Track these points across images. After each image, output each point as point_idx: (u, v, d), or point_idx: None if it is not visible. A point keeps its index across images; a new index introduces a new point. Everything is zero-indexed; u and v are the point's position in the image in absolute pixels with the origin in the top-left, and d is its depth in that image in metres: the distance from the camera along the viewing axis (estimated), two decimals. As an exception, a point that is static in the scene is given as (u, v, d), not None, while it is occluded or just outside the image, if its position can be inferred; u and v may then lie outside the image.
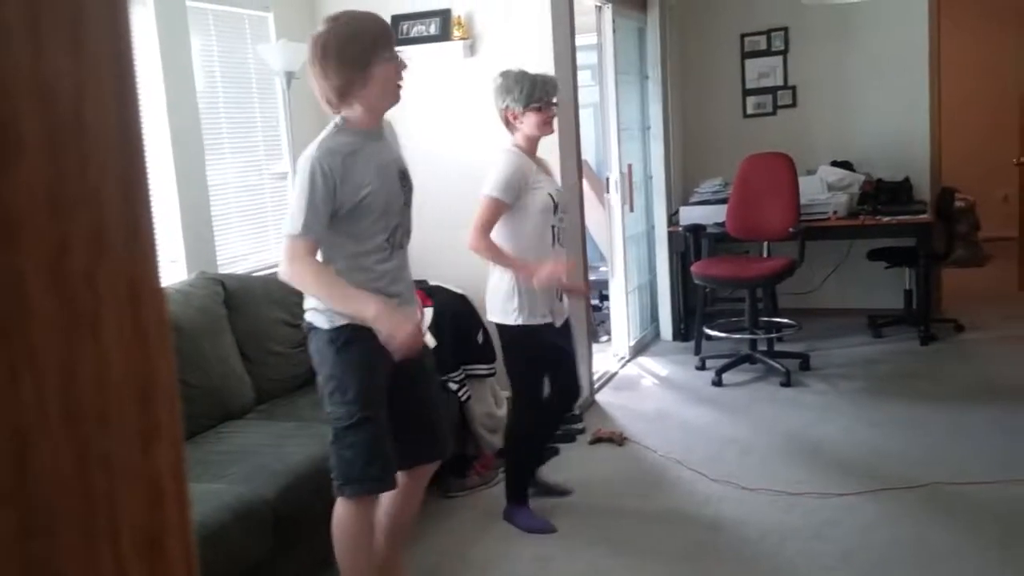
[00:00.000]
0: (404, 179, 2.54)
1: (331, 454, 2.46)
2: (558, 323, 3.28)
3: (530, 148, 3.22)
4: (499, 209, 3.09)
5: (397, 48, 2.48)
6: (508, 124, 3.21)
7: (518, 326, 3.16)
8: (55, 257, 0.35)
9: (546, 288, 3.14)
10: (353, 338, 2.39)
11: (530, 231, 3.15)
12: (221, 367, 3.30)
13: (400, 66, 2.42)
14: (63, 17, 0.34)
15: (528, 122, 3.15)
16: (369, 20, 2.41)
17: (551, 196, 3.18)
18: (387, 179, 2.45)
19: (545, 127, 3.19)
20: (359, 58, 2.34)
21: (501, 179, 3.08)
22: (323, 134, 2.42)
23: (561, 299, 3.29)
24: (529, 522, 3.34)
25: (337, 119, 2.44)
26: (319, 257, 2.40)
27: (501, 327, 3.23)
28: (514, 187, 3.09)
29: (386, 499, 2.62)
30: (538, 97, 3.14)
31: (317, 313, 2.43)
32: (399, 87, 2.44)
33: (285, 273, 2.36)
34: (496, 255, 3.11)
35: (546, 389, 3.38)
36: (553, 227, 3.20)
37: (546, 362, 3.31)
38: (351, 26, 2.38)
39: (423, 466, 2.68)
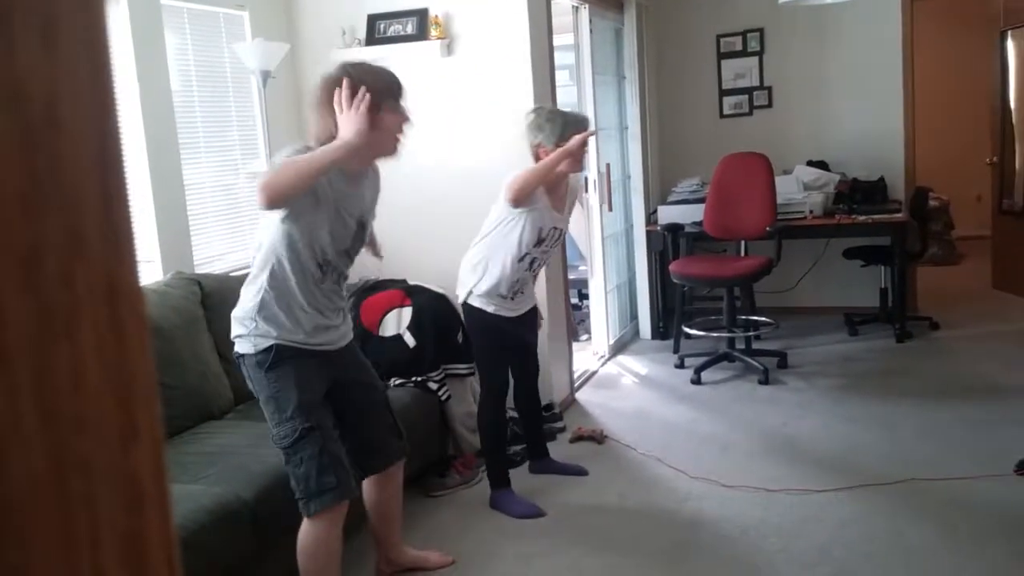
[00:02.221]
0: (360, 230, 2.53)
1: (289, 476, 2.46)
2: (514, 314, 3.42)
3: (555, 183, 3.30)
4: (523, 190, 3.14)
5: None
6: (538, 159, 3.27)
7: (471, 305, 3.35)
8: (29, 257, 0.34)
9: (511, 281, 3.32)
10: (280, 357, 2.41)
11: (511, 245, 3.26)
12: (199, 367, 3.28)
13: (403, 121, 2.45)
14: (36, 12, 0.34)
15: None
16: (381, 73, 2.44)
17: (540, 230, 3.27)
18: (339, 224, 2.43)
19: (575, 165, 3.26)
20: (368, 104, 2.33)
21: (515, 178, 3.16)
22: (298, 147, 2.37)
23: (520, 293, 3.40)
24: (517, 508, 3.42)
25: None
26: (268, 245, 2.40)
27: (463, 305, 3.41)
28: (526, 193, 3.16)
29: (370, 505, 2.82)
30: (569, 135, 3.19)
31: (242, 340, 2.46)
32: (398, 141, 2.46)
33: (260, 197, 2.22)
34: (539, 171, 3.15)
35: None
36: (526, 255, 3.30)
37: (506, 349, 3.46)
38: (365, 74, 2.39)
39: (388, 469, 2.79)
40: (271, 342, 2.41)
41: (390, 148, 2.47)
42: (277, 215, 2.34)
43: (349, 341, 2.64)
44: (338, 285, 2.54)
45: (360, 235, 2.54)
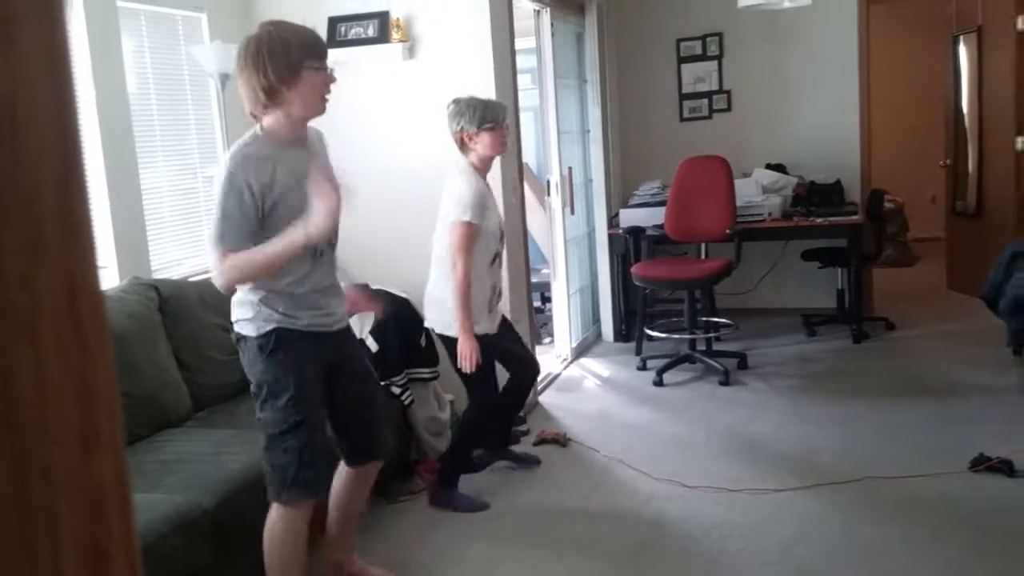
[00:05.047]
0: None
1: (264, 461, 2.48)
2: (493, 330, 3.49)
3: (483, 168, 3.44)
4: (475, 232, 3.28)
5: (333, 59, 2.54)
6: (463, 146, 3.41)
7: (452, 337, 3.37)
8: (-12, 259, 0.34)
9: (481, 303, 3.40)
10: (282, 342, 2.43)
11: (479, 254, 3.36)
12: (157, 374, 3.23)
13: (329, 78, 2.44)
14: (-5, 11, 0.33)
15: (483, 142, 3.37)
16: (304, 30, 2.44)
17: (499, 224, 3.45)
18: (304, 187, 2.42)
19: (499, 147, 3.43)
20: (292, 61, 2.36)
21: (470, 203, 3.29)
22: (238, 142, 2.42)
23: (492, 309, 3.49)
24: (463, 502, 3.49)
25: (256, 128, 2.43)
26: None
27: (446, 338, 3.43)
28: (480, 209, 3.30)
29: (335, 494, 2.76)
30: (491, 118, 3.37)
31: (245, 323, 2.47)
32: (325, 99, 2.45)
33: (217, 283, 2.39)
34: (465, 297, 3.27)
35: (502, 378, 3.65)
36: (496, 252, 3.45)
37: (491, 361, 3.51)
38: (287, 31, 2.40)
39: (366, 465, 2.78)
40: (272, 326, 2.42)
41: (317, 106, 2.43)
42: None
43: (346, 325, 2.65)
44: (332, 257, 2.57)
45: None
